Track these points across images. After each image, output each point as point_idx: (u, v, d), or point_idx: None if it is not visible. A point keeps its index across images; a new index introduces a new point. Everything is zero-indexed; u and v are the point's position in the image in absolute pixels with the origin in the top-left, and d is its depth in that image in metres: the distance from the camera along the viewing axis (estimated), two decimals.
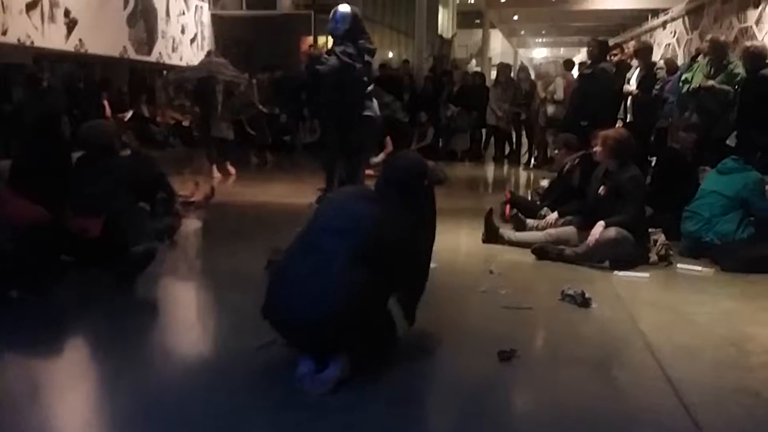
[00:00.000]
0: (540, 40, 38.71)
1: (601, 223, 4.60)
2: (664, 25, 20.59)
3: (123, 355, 3.07)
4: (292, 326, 2.78)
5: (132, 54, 11.19)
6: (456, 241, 5.57)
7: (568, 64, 11.18)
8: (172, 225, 5.18)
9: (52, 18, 8.97)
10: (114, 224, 4.28)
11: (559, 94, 9.78)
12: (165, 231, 5.03)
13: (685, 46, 15.84)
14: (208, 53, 9.69)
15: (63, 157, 4.95)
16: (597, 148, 4.95)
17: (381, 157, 9.56)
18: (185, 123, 12.51)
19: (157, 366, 3.00)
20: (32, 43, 8.59)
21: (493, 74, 13.58)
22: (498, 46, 33.61)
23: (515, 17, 28.70)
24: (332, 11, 5.74)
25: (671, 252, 4.87)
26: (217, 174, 8.60)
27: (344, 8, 5.87)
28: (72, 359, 3.16)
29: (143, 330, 3.49)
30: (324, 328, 2.66)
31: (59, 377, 2.90)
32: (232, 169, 8.83)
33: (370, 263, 2.71)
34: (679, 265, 4.76)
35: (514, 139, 11.63)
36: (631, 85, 7.51)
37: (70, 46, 9.42)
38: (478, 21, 28.58)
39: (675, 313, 3.83)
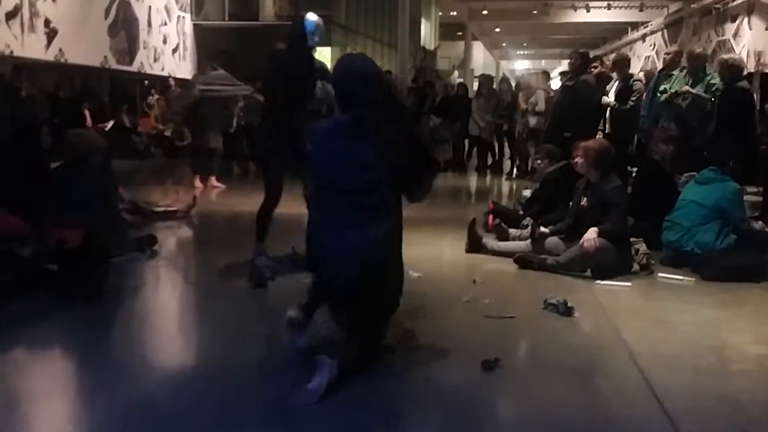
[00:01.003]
0: (521, 52, 39.06)
1: (594, 229, 4.62)
2: (643, 38, 20.92)
3: (104, 366, 3.04)
4: (343, 286, 2.92)
5: (113, 64, 11.13)
6: (440, 251, 5.58)
7: (545, 75, 11.29)
8: (152, 235, 5.15)
9: (32, 27, 8.91)
10: (94, 235, 4.24)
11: (541, 106, 9.86)
12: (145, 242, 5.01)
13: (662, 59, 16.09)
14: (213, 67, 9.15)
15: (42, 168, 4.91)
16: (579, 160, 4.98)
17: None
18: (167, 133, 12.48)
19: (140, 377, 2.96)
20: (11, 52, 8.52)
21: (476, 86, 13.67)
22: (480, 57, 33.85)
23: (497, 30, 28.94)
24: (310, 22, 4.57)
25: (652, 261, 4.91)
26: (199, 184, 8.54)
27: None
28: (51, 370, 3.10)
29: (124, 341, 3.46)
30: (374, 279, 2.89)
31: (37, 389, 2.84)
32: (217, 183, 8.71)
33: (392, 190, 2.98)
34: (660, 274, 4.80)
35: (496, 150, 11.71)
36: (610, 97, 7.61)
37: (50, 55, 9.35)
38: (460, 33, 28.80)
39: (656, 321, 3.85)
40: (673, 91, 6.87)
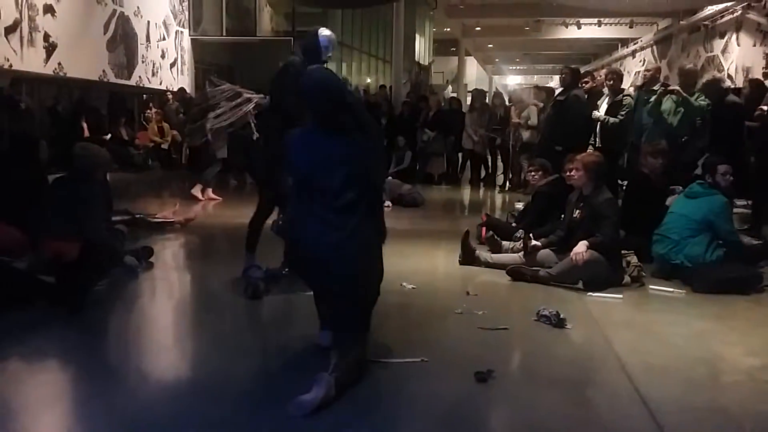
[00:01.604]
0: (514, 67, 39.33)
1: (584, 242, 4.69)
2: (633, 53, 21.14)
3: (99, 377, 3.06)
4: (324, 279, 3.10)
5: (111, 77, 11.20)
6: (433, 263, 5.63)
7: (537, 90, 11.38)
8: (149, 247, 5.19)
9: (31, 42, 8.97)
10: (91, 248, 4.28)
11: (533, 120, 9.96)
12: (141, 253, 5.04)
13: (642, 76, 16.30)
14: (212, 82, 9.20)
15: (39, 181, 4.96)
16: (576, 173, 5.03)
17: None
18: (164, 146, 12.52)
19: (135, 389, 2.98)
20: (11, 66, 8.57)
21: (469, 100, 13.79)
22: (473, 72, 34.08)
23: (490, 45, 29.18)
24: (324, 37, 4.55)
25: (643, 273, 4.97)
26: (200, 195, 8.54)
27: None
28: (46, 381, 3.12)
29: (120, 352, 3.49)
30: (354, 273, 3.04)
31: (32, 400, 2.86)
32: (213, 195, 8.74)
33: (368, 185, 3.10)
34: (651, 287, 4.85)
35: (489, 163, 11.82)
36: (600, 112, 7.71)
37: (49, 69, 9.41)
38: (454, 49, 29.01)
39: (648, 333, 3.90)
40: (662, 89, 6.96)
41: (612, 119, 7.46)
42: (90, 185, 4.59)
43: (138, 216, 6.41)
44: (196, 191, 8.57)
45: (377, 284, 3.25)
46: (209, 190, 8.64)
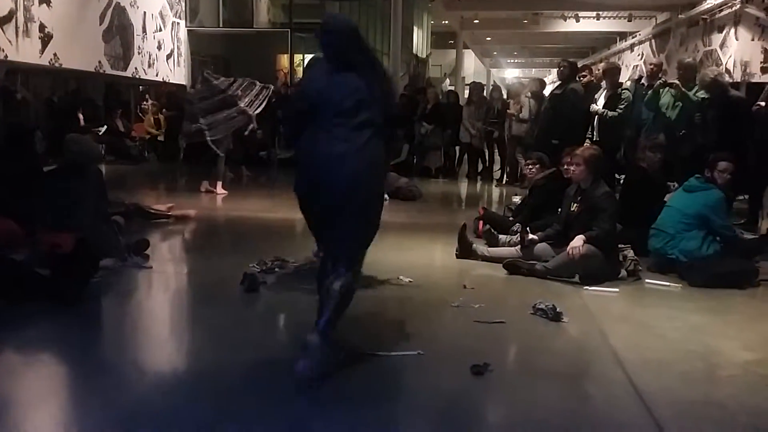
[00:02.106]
0: (512, 60, 39.26)
1: (581, 236, 4.69)
2: (631, 47, 21.10)
3: (96, 371, 3.05)
4: (331, 191, 3.04)
5: (107, 69, 11.13)
6: (430, 256, 5.63)
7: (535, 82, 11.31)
8: (144, 240, 5.17)
9: (26, 32, 8.91)
10: (86, 240, 4.27)
11: (524, 113, 9.94)
12: (137, 246, 5.02)
13: (645, 70, 16.30)
14: (205, 78, 8.58)
15: (35, 172, 4.94)
16: (576, 168, 5.01)
17: None
18: (160, 138, 12.50)
19: (132, 382, 2.98)
20: (6, 57, 8.52)
21: (467, 93, 13.77)
22: (471, 66, 33.98)
23: (488, 38, 29.09)
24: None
25: (640, 267, 4.97)
26: (207, 188, 8.51)
27: None
28: (43, 375, 3.12)
29: (117, 345, 3.48)
30: (359, 187, 3.04)
31: (29, 394, 2.87)
32: (222, 190, 8.67)
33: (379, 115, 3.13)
34: (647, 281, 4.87)
35: (486, 157, 11.80)
36: (598, 105, 7.70)
37: (44, 60, 9.35)
38: (452, 42, 28.93)
39: (644, 327, 3.91)
40: (661, 82, 6.95)
41: (611, 113, 7.46)
42: (82, 176, 4.58)
43: (132, 205, 6.35)
44: (208, 186, 8.49)
45: (379, 213, 3.25)
46: (219, 184, 8.56)
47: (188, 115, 8.32)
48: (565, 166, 5.35)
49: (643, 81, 7.33)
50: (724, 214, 5.09)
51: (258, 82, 8.47)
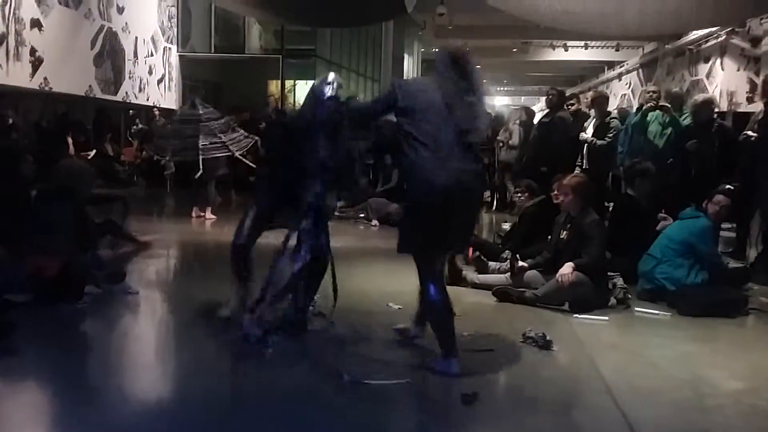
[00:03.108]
0: (501, 88, 39.68)
1: (569, 264, 4.69)
2: (619, 76, 21.41)
3: (80, 395, 3.01)
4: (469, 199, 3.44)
5: (98, 93, 11.16)
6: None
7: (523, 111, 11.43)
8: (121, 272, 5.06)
9: (17, 56, 8.93)
10: (72, 265, 4.23)
11: (514, 140, 10.01)
12: (116, 274, 4.93)
13: (639, 97, 16.50)
14: (193, 104, 8.64)
15: (22, 196, 4.90)
16: (564, 198, 5.04)
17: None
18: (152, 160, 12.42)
19: (117, 407, 2.93)
20: None
21: None
22: None
23: (478, 66, 29.43)
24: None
25: (629, 296, 4.97)
26: (198, 214, 8.47)
27: None
28: (25, 400, 3.06)
29: (101, 370, 3.43)
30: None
31: (11, 419, 2.81)
32: (210, 215, 8.64)
33: None
34: (637, 309, 4.86)
35: None
36: (587, 134, 7.76)
37: (34, 84, 9.37)
38: None
39: (634, 355, 3.90)
40: (650, 105, 7.01)
41: (599, 141, 7.52)
42: (73, 202, 4.54)
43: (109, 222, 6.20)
44: (198, 212, 8.45)
45: None
46: (208, 209, 8.52)
47: (173, 133, 8.41)
48: (555, 194, 5.37)
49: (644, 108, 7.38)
50: (710, 242, 5.12)
51: (242, 131, 8.59)
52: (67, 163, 4.87)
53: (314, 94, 3.76)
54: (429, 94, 3.46)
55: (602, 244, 4.88)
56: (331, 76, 3.77)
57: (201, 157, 8.01)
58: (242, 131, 8.61)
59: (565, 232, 5.04)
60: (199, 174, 8.08)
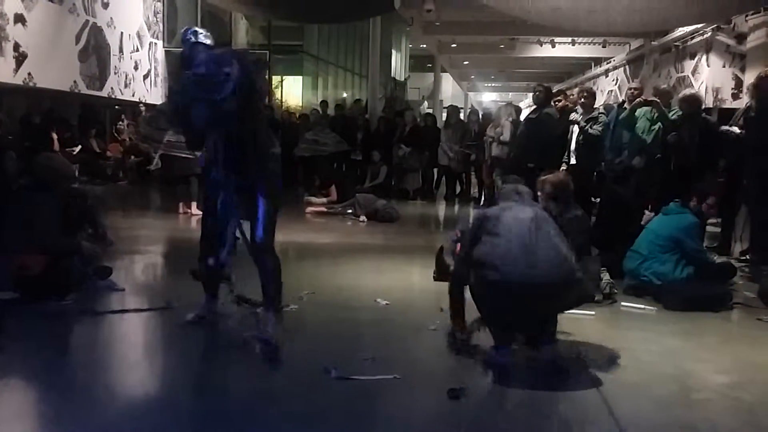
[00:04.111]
0: (489, 84, 39.74)
1: None
2: (606, 73, 21.48)
3: (64, 394, 2.99)
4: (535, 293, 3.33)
5: (83, 88, 11.05)
6: (408, 279, 5.61)
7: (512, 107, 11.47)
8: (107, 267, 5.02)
9: (0, 51, 8.82)
10: (58, 262, 4.19)
11: (506, 136, 10.03)
12: (99, 272, 4.88)
13: (626, 94, 16.59)
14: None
15: (5, 192, 4.84)
16: (541, 194, 5.06)
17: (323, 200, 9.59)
18: (134, 157, 12.36)
19: (102, 405, 2.91)
20: None
21: (444, 116, 13.89)
22: (449, 89, 34.35)
23: (465, 62, 29.45)
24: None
25: (615, 290, 5.00)
26: (183, 210, 8.43)
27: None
28: (11, 399, 3.04)
29: (87, 368, 3.40)
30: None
31: None
32: (197, 210, 8.61)
33: None
34: (623, 303, 4.89)
35: (464, 179, 11.88)
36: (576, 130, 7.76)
37: (18, 79, 9.26)
38: (430, 65, 29.24)
39: (620, 350, 3.91)
40: (639, 101, 7.03)
41: (592, 129, 7.52)
42: (52, 197, 4.45)
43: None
44: (185, 208, 8.42)
45: None
46: (193, 204, 8.50)
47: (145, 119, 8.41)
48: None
49: (625, 105, 7.39)
50: (697, 239, 5.15)
51: None
52: (44, 157, 4.77)
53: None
54: None
55: (585, 240, 4.85)
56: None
57: (160, 152, 7.99)
58: None
59: None
60: (154, 166, 8.02)
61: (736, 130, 6.58)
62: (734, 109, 8.63)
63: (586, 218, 5.14)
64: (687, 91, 7.33)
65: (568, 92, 9.40)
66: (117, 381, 3.30)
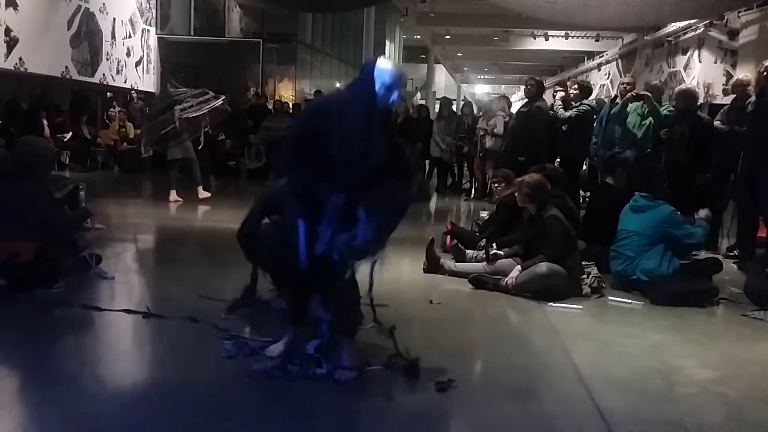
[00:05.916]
0: (482, 76, 39.73)
1: (517, 267, 4.82)
2: (599, 67, 21.54)
3: (52, 383, 2.98)
4: None
5: (74, 74, 10.99)
6: (398, 271, 5.62)
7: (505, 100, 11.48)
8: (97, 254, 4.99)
9: None
10: (47, 249, 4.16)
11: (499, 129, 10.05)
12: (92, 258, 4.86)
13: (618, 88, 16.65)
14: (172, 84, 8.78)
15: None
16: (519, 194, 5.10)
17: None
18: (126, 144, 12.32)
19: (92, 394, 2.92)
20: None
21: (437, 108, 13.88)
22: (442, 80, 34.33)
23: (459, 54, 29.42)
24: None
25: (603, 284, 5.04)
26: (175, 198, 8.42)
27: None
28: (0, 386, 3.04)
29: (76, 357, 3.40)
30: None
31: None
32: (204, 193, 8.69)
33: None
34: (610, 298, 4.92)
35: (456, 171, 11.89)
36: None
37: (9, 64, 9.20)
38: (423, 56, 29.18)
39: (606, 344, 3.95)
40: (631, 95, 7.03)
41: (571, 112, 7.50)
42: (33, 180, 4.39)
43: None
44: (176, 196, 8.44)
45: None
46: (199, 188, 8.56)
47: (147, 115, 8.42)
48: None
49: (617, 100, 7.40)
50: (682, 224, 5.11)
51: (211, 92, 8.55)
52: (24, 140, 4.70)
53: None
54: None
55: (559, 239, 4.84)
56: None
57: (146, 137, 8.07)
58: (210, 93, 8.54)
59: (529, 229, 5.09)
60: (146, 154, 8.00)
61: (720, 125, 6.60)
62: (725, 105, 8.67)
63: (559, 218, 4.94)
64: (684, 86, 7.37)
65: (569, 84, 9.36)
66: (105, 369, 3.29)
